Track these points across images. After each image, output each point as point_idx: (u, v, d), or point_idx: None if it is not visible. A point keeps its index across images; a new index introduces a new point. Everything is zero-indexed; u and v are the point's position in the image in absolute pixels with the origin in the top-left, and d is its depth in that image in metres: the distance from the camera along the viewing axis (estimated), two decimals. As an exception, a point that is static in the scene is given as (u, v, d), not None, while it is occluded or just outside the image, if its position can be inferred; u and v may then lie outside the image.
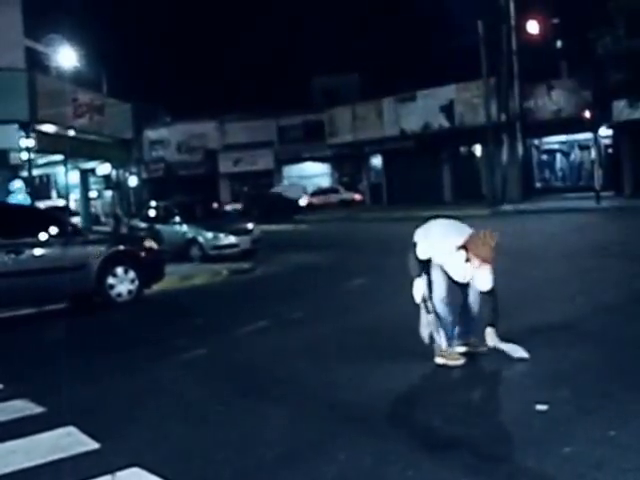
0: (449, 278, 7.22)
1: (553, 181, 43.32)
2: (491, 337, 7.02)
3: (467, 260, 6.89)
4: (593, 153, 36.72)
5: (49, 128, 21.82)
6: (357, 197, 50.25)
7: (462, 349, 7.32)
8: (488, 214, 32.41)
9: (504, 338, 7.06)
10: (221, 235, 20.03)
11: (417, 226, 7.52)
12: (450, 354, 7.18)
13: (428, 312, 7.24)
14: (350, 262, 17.78)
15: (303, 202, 47.77)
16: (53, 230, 12.19)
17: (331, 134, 51.49)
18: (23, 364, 8.83)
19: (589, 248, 16.53)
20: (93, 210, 29.01)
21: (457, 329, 7.34)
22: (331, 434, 5.47)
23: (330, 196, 50.12)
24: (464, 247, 6.89)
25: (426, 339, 7.27)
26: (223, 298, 13.98)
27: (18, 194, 18.69)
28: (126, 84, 33.49)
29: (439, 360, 7.15)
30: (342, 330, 9.25)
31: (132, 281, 12.94)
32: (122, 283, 12.82)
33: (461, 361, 7.11)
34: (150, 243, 14.11)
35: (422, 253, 7.22)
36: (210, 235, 20.04)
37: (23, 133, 20.08)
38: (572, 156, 42.31)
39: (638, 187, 34.73)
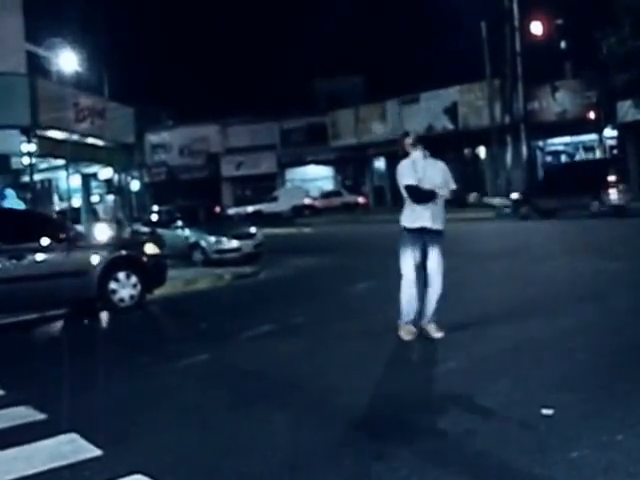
0: None
1: (558, 182, 43.17)
2: None
3: None
4: (598, 154, 36.65)
5: (50, 133, 21.81)
6: (361, 200, 50.09)
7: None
8: (493, 216, 32.33)
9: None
10: (224, 239, 20.00)
11: None
12: None
13: None
14: (353, 266, 17.73)
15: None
16: (55, 235, 12.15)
17: (334, 137, 51.49)
18: (25, 370, 8.79)
19: (593, 250, 16.47)
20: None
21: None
22: (335, 439, 5.42)
23: (333, 199, 50.10)
24: None
25: None
26: (226, 303, 13.96)
27: (11, 200, 18.71)
28: (128, 88, 33.51)
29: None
30: (346, 335, 9.20)
31: (134, 286, 12.88)
32: (124, 288, 12.77)
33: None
34: (152, 248, 14.05)
35: None
36: (213, 239, 20.02)
37: (24, 138, 20.08)
38: (577, 157, 42.23)
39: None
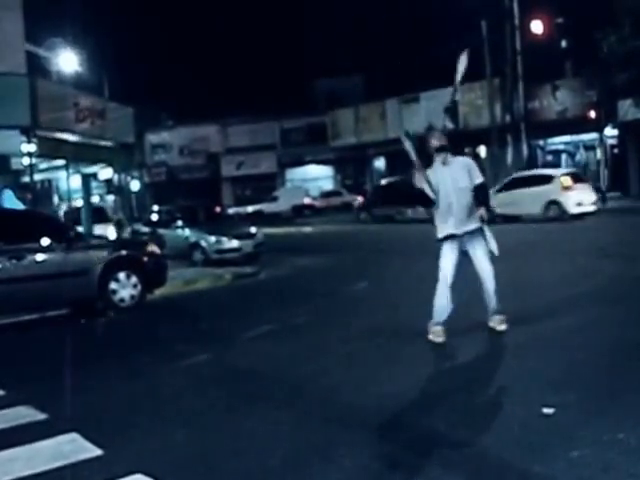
0: None
1: (558, 182, 43.16)
2: None
3: None
4: (599, 153, 36.64)
5: (50, 133, 21.80)
6: (360, 200, 49.99)
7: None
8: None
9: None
10: (224, 239, 19.97)
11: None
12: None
13: None
14: (353, 265, 17.74)
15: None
16: (55, 235, 12.15)
17: (334, 136, 51.44)
18: (25, 370, 8.78)
19: (593, 249, 16.47)
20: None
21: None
22: (336, 439, 5.41)
23: (333, 199, 50.07)
24: None
25: None
26: (226, 303, 13.94)
27: (9, 201, 18.70)
28: (127, 88, 33.57)
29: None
30: (345, 334, 9.20)
31: (134, 286, 12.87)
32: (124, 288, 12.75)
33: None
34: (152, 248, 14.04)
35: None
36: (213, 239, 19.99)
37: (24, 138, 20.07)
38: (577, 157, 42.15)
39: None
